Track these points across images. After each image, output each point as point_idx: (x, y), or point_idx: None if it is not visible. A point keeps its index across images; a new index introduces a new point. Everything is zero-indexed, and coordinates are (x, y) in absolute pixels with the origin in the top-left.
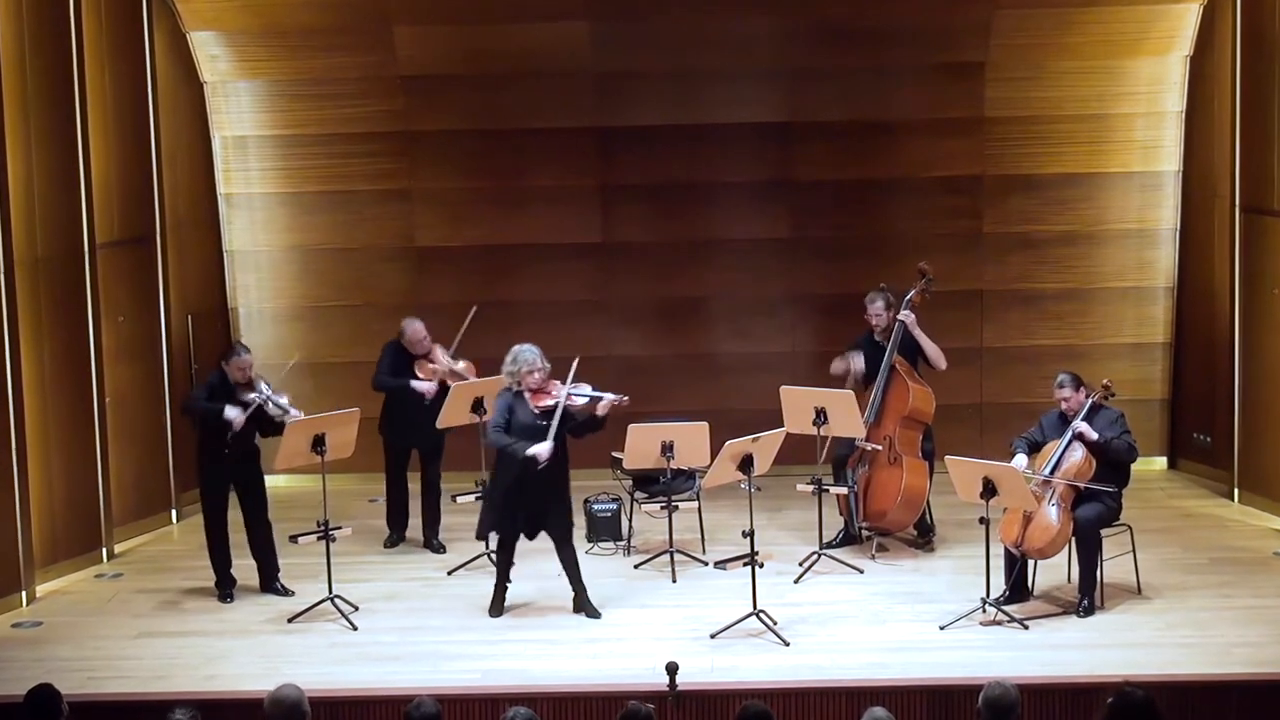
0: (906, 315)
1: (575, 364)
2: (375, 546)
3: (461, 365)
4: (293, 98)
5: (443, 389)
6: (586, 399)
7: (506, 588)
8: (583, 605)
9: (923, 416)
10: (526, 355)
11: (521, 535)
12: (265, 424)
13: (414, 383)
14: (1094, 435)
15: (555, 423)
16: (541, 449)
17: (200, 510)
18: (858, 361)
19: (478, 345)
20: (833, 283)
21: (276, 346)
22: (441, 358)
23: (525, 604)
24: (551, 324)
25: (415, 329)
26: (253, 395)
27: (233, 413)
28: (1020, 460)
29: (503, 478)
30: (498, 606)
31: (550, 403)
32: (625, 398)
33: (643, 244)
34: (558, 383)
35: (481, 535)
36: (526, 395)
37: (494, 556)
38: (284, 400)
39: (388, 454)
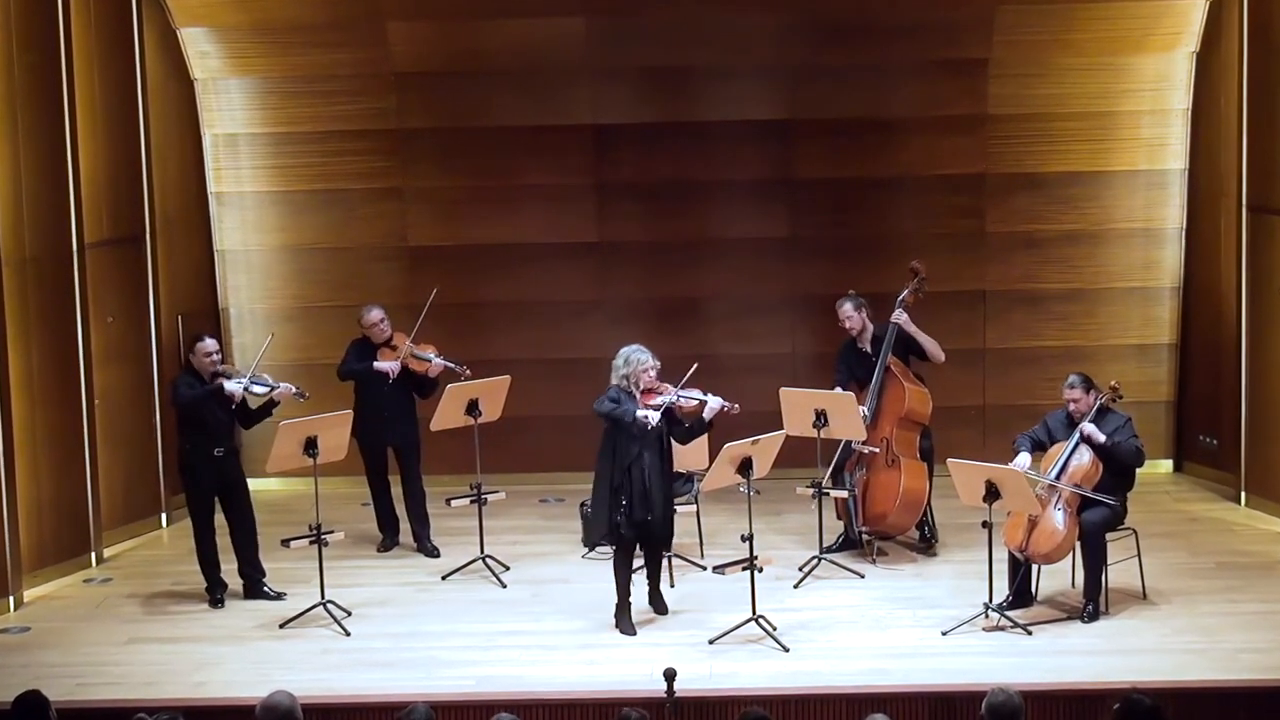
0: (899, 315)
1: (693, 370)
2: (368, 551)
3: (425, 351)
4: (284, 95)
5: (405, 373)
6: (695, 402)
7: (630, 604)
8: (653, 601)
9: (919, 417)
10: (639, 356)
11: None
12: (249, 412)
13: (376, 364)
14: (1101, 438)
15: (665, 404)
16: (651, 414)
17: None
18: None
19: (473, 346)
20: (833, 283)
21: (270, 347)
22: (404, 343)
23: (520, 608)
24: (547, 325)
25: (372, 316)
26: (236, 377)
27: (231, 385)
28: (1023, 459)
29: (608, 474)
30: (629, 623)
31: (659, 401)
32: (735, 406)
33: (639, 243)
34: (668, 385)
35: (594, 541)
36: (638, 397)
37: (487, 561)
38: (266, 379)
39: (365, 458)
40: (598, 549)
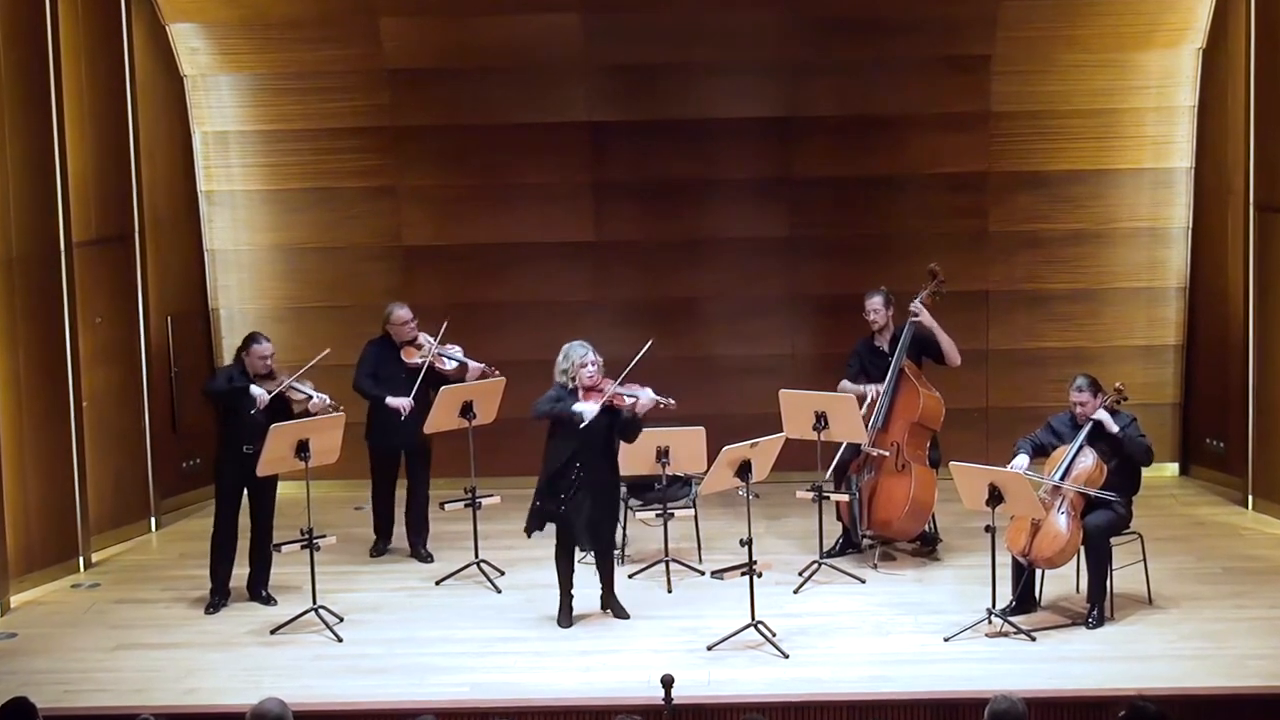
0: (917, 308)
1: (648, 345)
2: (360, 556)
3: (453, 351)
4: (276, 92)
5: (429, 373)
6: (631, 399)
7: (572, 598)
8: (610, 604)
9: (932, 423)
10: (578, 351)
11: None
12: (291, 417)
13: (390, 400)
14: (1114, 427)
15: (605, 399)
16: (587, 408)
17: (178, 519)
18: (868, 390)
19: (469, 347)
20: (833, 283)
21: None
22: (428, 343)
23: (515, 614)
24: (542, 325)
25: (401, 313)
26: (281, 381)
27: (258, 390)
28: (1021, 461)
29: (551, 466)
30: (566, 617)
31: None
32: (671, 401)
33: (637, 243)
34: (609, 381)
35: (531, 529)
36: (580, 393)
37: (482, 566)
38: (308, 386)
39: (372, 458)
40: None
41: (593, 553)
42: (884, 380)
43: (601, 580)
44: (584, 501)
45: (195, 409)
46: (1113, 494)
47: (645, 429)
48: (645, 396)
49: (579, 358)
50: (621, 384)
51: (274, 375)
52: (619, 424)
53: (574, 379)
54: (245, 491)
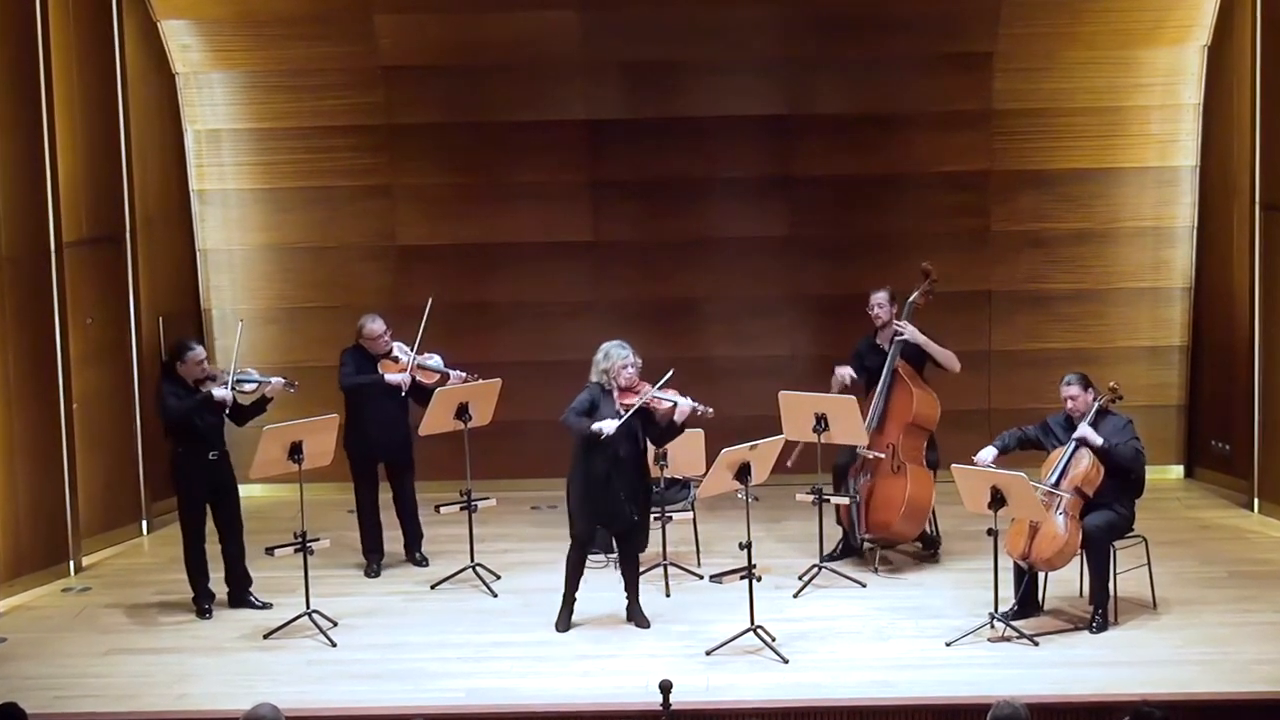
0: (903, 326)
1: (669, 375)
2: (355, 559)
3: (433, 361)
4: (268, 89)
5: (414, 386)
6: (668, 404)
7: (575, 601)
8: (634, 615)
9: (927, 423)
10: (618, 352)
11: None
12: (242, 410)
13: (388, 376)
14: (1098, 441)
15: (629, 414)
16: (607, 424)
17: (170, 522)
18: (841, 371)
19: (465, 348)
20: (833, 283)
21: (251, 349)
22: (405, 354)
23: (511, 618)
24: (539, 326)
25: (373, 326)
26: (221, 378)
27: (221, 391)
28: (985, 454)
29: (579, 478)
30: (565, 621)
31: (631, 402)
32: (709, 409)
33: (635, 242)
34: (646, 384)
35: (587, 545)
36: (615, 394)
37: (478, 570)
38: (255, 373)
39: (354, 471)
40: (590, 557)
41: (617, 562)
42: (878, 384)
43: (627, 589)
44: (624, 505)
45: None
46: (1112, 501)
47: None
48: (684, 404)
49: (620, 359)
50: (660, 388)
51: (214, 377)
52: (653, 429)
53: (614, 379)
54: (209, 501)
